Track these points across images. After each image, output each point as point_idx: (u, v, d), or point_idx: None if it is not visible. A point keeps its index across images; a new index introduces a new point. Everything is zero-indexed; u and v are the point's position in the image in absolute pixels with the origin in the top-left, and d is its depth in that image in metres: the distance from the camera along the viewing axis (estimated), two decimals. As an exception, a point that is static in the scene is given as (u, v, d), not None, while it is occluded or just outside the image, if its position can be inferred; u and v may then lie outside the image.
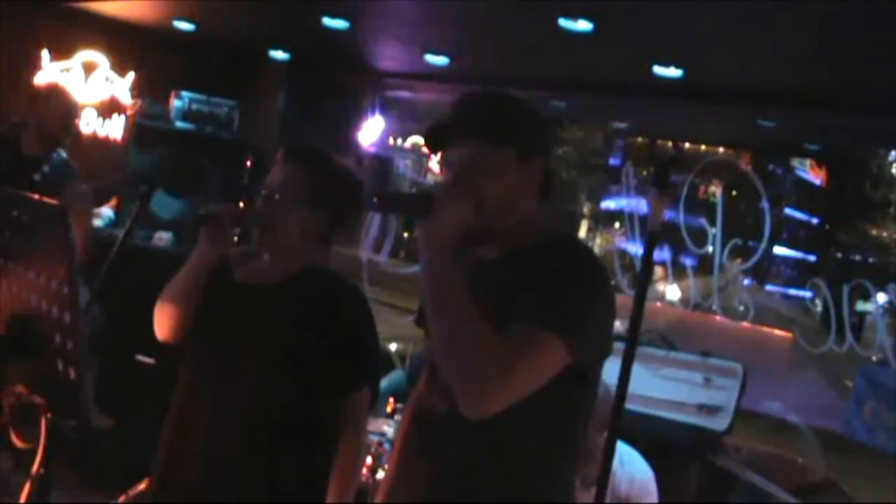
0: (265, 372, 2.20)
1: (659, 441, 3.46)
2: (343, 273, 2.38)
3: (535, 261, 1.70)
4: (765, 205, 7.86)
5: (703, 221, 6.70)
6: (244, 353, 2.22)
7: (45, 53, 7.12)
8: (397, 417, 3.98)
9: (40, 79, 6.92)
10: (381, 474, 3.62)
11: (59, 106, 4.04)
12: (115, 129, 7.53)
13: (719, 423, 4.09)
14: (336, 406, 2.25)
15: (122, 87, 7.54)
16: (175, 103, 6.97)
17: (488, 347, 1.57)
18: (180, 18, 6.82)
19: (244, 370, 2.21)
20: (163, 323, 2.30)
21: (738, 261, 7.31)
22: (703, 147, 15.69)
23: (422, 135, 1.89)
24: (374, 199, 1.72)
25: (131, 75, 7.54)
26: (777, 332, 15.17)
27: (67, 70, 7.26)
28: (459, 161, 1.74)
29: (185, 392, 2.27)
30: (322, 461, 2.24)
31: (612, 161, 24.19)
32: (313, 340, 2.20)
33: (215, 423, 2.20)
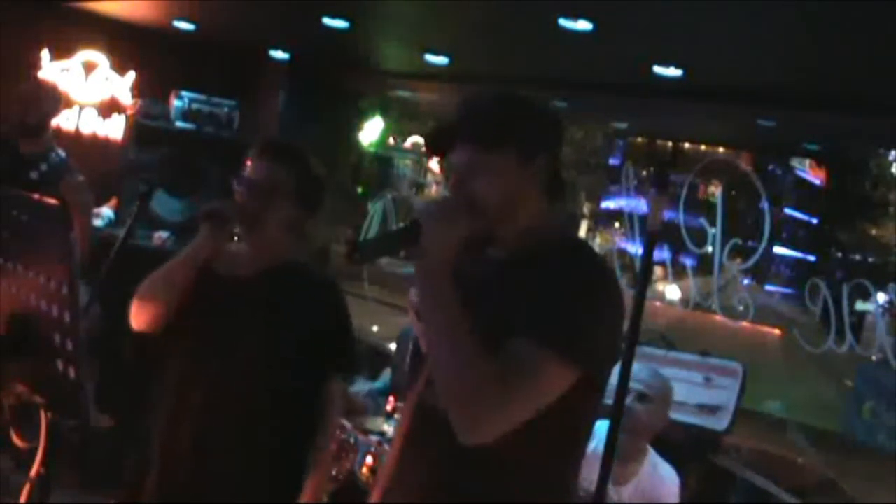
0: (249, 361, 2.30)
1: (659, 441, 3.46)
2: (345, 272, 2.41)
3: (543, 268, 1.67)
4: (764, 205, 7.84)
5: (702, 221, 6.68)
6: (230, 343, 2.31)
7: (45, 53, 7.12)
8: (397, 416, 3.98)
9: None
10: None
11: (31, 96, 4.03)
12: (115, 129, 7.53)
13: (719, 423, 4.09)
14: (315, 391, 2.36)
15: (122, 87, 7.54)
16: (175, 103, 6.98)
17: (485, 378, 1.55)
18: (180, 18, 6.82)
19: (230, 360, 2.30)
20: (145, 314, 2.33)
21: (738, 261, 7.28)
22: (703, 147, 15.68)
23: (423, 139, 1.88)
24: (357, 255, 1.63)
25: (131, 75, 7.54)
26: (774, 330, 15.20)
27: (67, 70, 7.26)
28: (459, 166, 1.73)
29: (176, 383, 2.35)
30: (302, 443, 2.35)
31: (612, 161, 24.17)
32: (293, 331, 2.32)
33: (206, 407, 2.28)
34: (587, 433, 1.79)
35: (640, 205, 6.91)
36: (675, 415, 4.15)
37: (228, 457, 2.30)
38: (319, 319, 2.35)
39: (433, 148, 1.84)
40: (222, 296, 2.33)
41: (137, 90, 7.51)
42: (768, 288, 23.63)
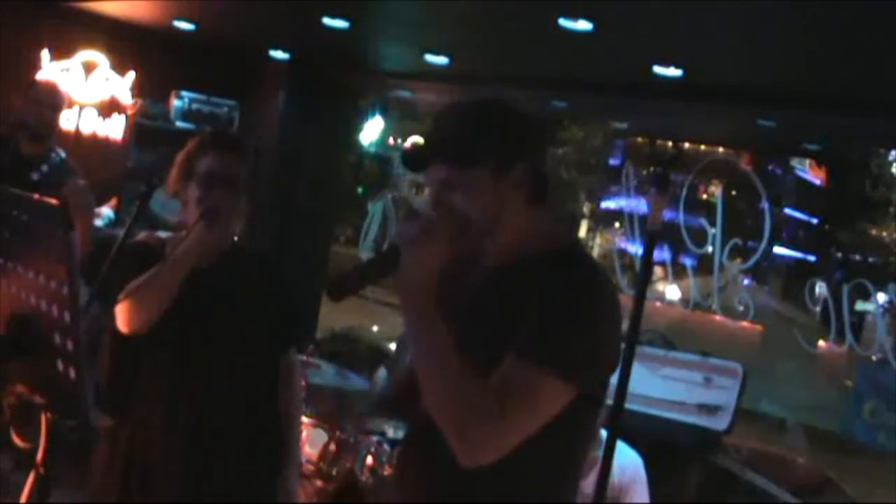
0: (231, 347, 2.44)
1: (659, 441, 3.46)
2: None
3: (533, 280, 1.64)
4: (765, 205, 7.85)
5: (702, 221, 6.69)
6: (210, 333, 2.43)
7: (45, 53, 7.12)
8: (397, 417, 3.99)
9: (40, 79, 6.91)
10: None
11: (42, 99, 4.02)
12: (115, 129, 7.52)
13: (719, 423, 4.09)
14: (277, 363, 2.59)
15: (122, 87, 7.53)
16: (175, 103, 6.98)
17: (477, 403, 1.54)
18: (180, 18, 6.82)
19: (213, 350, 2.43)
20: (140, 318, 2.37)
21: (738, 261, 7.29)
22: (703, 147, 15.69)
23: (401, 157, 1.86)
24: (335, 292, 1.57)
25: (131, 75, 7.53)
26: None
27: (67, 70, 7.25)
28: (434, 183, 1.71)
29: (161, 380, 2.44)
30: (276, 409, 2.58)
31: (612, 161, 24.17)
32: (258, 311, 2.51)
33: (200, 396, 2.41)
34: (587, 443, 1.77)
35: (640, 205, 6.91)
36: (676, 415, 4.16)
37: (225, 439, 2.44)
38: (274, 297, 2.57)
39: (410, 165, 1.81)
40: (190, 288, 2.38)
41: (137, 90, 7.51)
42: (768, 288, 23.65)
